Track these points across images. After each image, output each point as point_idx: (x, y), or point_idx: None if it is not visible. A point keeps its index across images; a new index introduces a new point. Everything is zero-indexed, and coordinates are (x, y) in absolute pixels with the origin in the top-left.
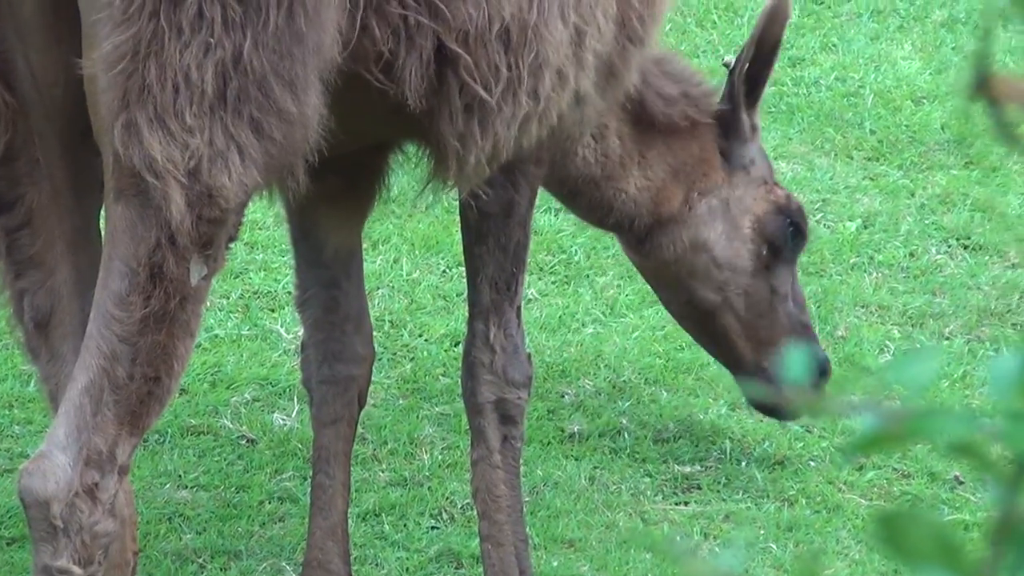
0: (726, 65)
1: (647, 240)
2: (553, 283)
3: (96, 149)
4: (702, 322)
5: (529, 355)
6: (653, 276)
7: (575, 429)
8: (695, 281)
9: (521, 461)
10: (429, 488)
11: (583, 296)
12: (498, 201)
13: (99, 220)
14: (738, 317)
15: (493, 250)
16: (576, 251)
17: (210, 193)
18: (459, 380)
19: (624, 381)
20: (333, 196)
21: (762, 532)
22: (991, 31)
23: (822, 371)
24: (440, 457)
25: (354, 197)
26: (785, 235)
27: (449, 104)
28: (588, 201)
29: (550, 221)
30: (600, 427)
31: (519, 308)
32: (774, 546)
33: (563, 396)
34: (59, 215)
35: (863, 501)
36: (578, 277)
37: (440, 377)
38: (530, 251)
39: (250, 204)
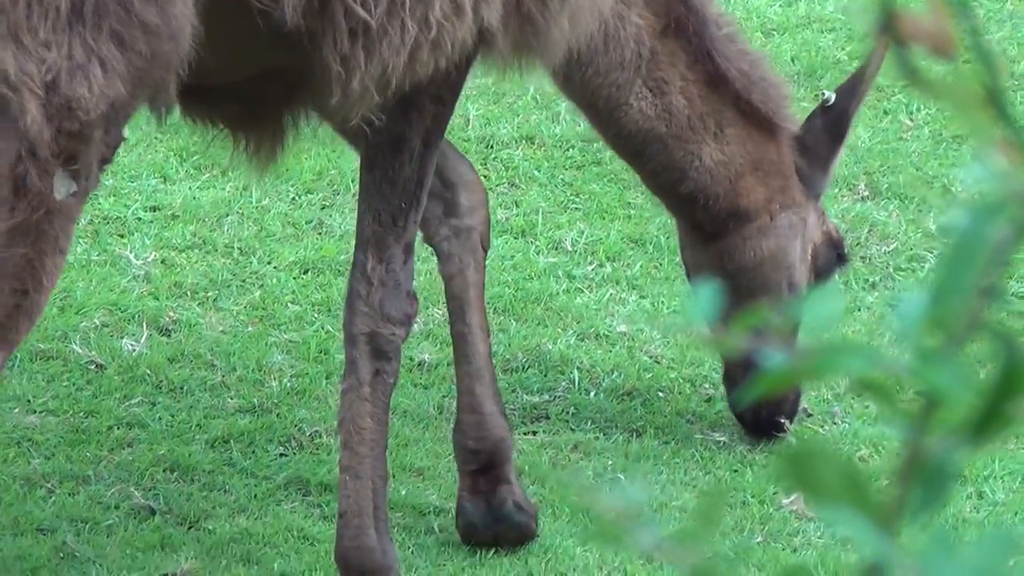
0: (826, 101)
1: (723, 233)
2: None
3: None
4: None
5: (412, 293)
6: (717, 276)
7: (424, 358)
8: (765, 296)
9: (390, 397)
10: (278, 415)
11: None
12: (389, 133)
13: None
14: None
15: (380, 182)
16: None
17: (69, 105)
18: (307, 308)
19: None
20: (234, 123)
21: (610, 463)
22: None
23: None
24: (289, 384)
25: (256, 126)
26: (832, 269)
27: (333, 27)
28: (658, 162)
29: None
30: (449, 356)
31: (408, 245)
32: (622, 477)
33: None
34: None
35: (711, 432)
36: None
37: (289, 304)
38: (422, 191)
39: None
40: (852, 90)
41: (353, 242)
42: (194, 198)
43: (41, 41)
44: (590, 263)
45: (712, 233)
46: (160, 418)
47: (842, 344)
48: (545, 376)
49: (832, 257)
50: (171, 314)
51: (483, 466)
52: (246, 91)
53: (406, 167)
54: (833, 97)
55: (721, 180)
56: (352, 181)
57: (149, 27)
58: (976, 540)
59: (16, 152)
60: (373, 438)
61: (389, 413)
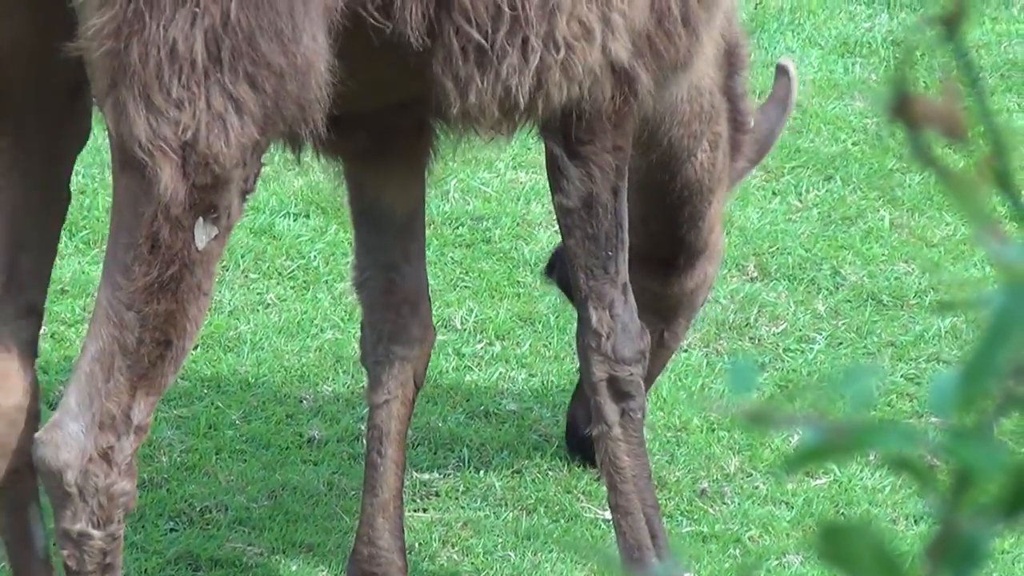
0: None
1: (679, 268)
2: (292, 288)
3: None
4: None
5: (639, 327)
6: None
7: (313, 434)
8: (686, 316)
9: (642, 431)
10: (168, 490)
11: (322, 301)
12: (577, 195)
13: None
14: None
15: (583, 242)
16: (315, 256)
17: (206, 161)
18: (197, 383)
19: (362, 387)
20: (365, 154)
21: (500, 540)
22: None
23: None
24: (179, 459)
25: (389, 157)
26: None
27: (444, 45)
28: (686, 214)
29: (288, 225)
30: (339, 433)
31: (624, 284)
32: (512, 554)
33: (302, 401)
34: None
35: (601, 511)
36: (317, 282)
37: (179, 380)
38: (624, 232)
39: (263, 161)
40: (770, 115)
41: (241, 318)
42: (83, 272)
43: (174, 101)
44: (479, 341)
45: (675, 265)
46: None
47: (878, 422)
48: (435, 454)
49: None
50: (61, 389)
51: None
52: (377, 122)
53: (603, 221)
54: (753, 122)
55: (707, 228)
56: (241, 257)
57: (273, 67)
58: None
59: (153, 211)
60: (634, 473)
61: (645, 446)
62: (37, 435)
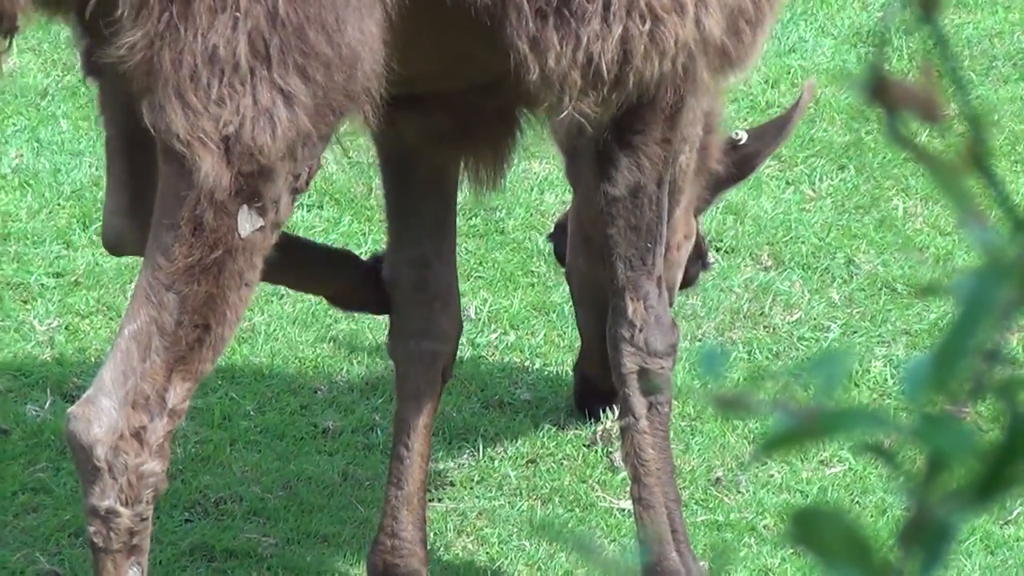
0: (737, 140)
1: None
2: None
3: None
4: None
5: (672, 322)
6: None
7: (328, 424)
8: None
9: (669, 424)
10: (183, 481)
11: None
12: (625, 184)
13: None
14: None
15: (625, 231)
16: None
17: (250, 152)
18: (211, 375)
19: (377, 377)
20: (443, 136)
21: (515, 530)
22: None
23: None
24: (193, 450)
25: (466, 140)
26: (697, 275)
27: (516, 7)
28: (650, 213)
29: (302, 216)
30: (353, 423)
31: (659, 279)
32: (528, 544)
33: (316, 391)
34: None
35: (616, 500)
36: None
37: None
38: (664, 226)
39: (321, 154)
40: (764, 136)
41: (255, 308)
42: (97, 264)
43: (214, 99)
44: (493, 331)
45: None
46: (65, 483)
47: (848, 407)
48: (450, 443)
49: (697, 267)
50: (75, 380)
51: None
52: (458, 104)
53: (647, 212)
54: (745, 137)
55: (670, 232)
56: None
57: (321, 57)
58: None
59: (196, 197)
60: (658, 467)
61: (669, 440)
62: (70, 409)
